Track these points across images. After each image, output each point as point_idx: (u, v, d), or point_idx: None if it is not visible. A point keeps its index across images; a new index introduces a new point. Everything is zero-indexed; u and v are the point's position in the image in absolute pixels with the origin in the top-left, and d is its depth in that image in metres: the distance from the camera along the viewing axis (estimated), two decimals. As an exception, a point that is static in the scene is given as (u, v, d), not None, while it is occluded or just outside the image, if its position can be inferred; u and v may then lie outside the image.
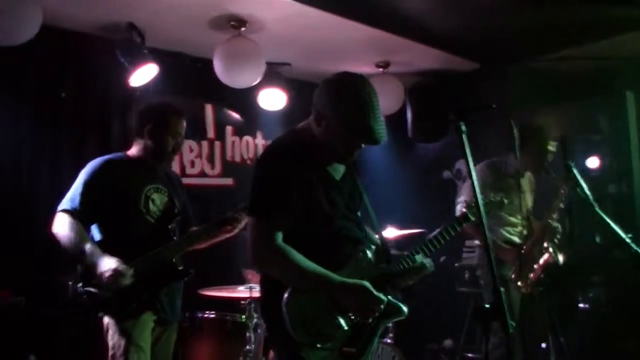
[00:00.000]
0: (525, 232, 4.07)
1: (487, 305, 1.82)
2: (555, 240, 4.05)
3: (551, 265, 4.02)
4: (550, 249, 4.02)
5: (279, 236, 2.26)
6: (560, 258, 4.07)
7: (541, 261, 4.00)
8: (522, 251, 3.99)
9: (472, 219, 2.74)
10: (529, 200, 4.25)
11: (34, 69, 4.25)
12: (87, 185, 3.08)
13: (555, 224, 4.04)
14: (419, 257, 2.51)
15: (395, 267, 2.48)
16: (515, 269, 3.94)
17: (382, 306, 2.29)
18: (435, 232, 2.65)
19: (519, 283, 3.95)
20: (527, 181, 4.27)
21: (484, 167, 4.13)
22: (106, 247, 3.00)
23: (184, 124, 3.32)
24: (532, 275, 3.97)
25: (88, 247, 2.97)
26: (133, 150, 3.30)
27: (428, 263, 2.53)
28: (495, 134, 4.67)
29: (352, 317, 2.31)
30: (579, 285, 5.00)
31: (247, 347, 3.78)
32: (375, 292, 2.27)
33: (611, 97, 5.24)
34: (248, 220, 2.32)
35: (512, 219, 4.12)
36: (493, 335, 3.81)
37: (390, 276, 2.44)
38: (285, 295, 2.22)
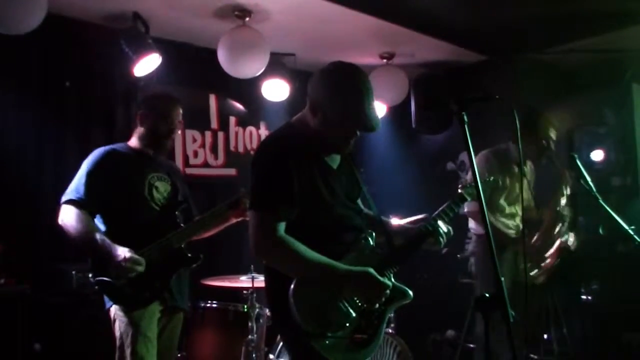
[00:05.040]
0: (519, 223, 4.07)
1: (487, 295, 1.82)
2: (565, 225, 4.06)
3: (565, 249, 4.03)
4: (562, 235, 4.03)
5: (282, 227, 2.27)
6: (571, 239, 4.06)
7: (554, 247, 3.99)
8: (532, 242, 3.99)
9: (469, 199, 2.75)
10: (531, 189, 4.24)
11: (39, 58, 4.25)
12: (91, 175, 3.07)
13: (564, 209, 4.04)
14: (440, 223, 2.58)
15: (403, 245, 2.51)
16: (523, 258, 3.94)
17: (387, 291, 2.31)
18: (434, 214, 2.67)
19: (532, 273, 3.95)
20: (529, 170, 4.26)
21: (489, 154, 4.12)
22: (112, 237, 2.99)
23: (178, 108, 3.30)
24: (548, 261, 3.97)
25: (99, 236, 2.96)
26: (133, 141, 3.31)
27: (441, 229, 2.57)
28: (502, 127, 4.66)
29: (359, 304, 2.32)
30: (582, 277, 5.00)
31: (249, 336, 3.79)
32: (380, 278, 2.29)
33: (617, 89, 5.22)
34: (249, 213, 2.33)
35: (511, 209, 4.11)
36: (492, 330, 3.81)
37: (393, 262, 2.46)
38: (292, 286, 2.23)
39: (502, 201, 4.08)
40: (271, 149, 2.39)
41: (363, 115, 2.32)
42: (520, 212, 4.10)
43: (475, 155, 2.04)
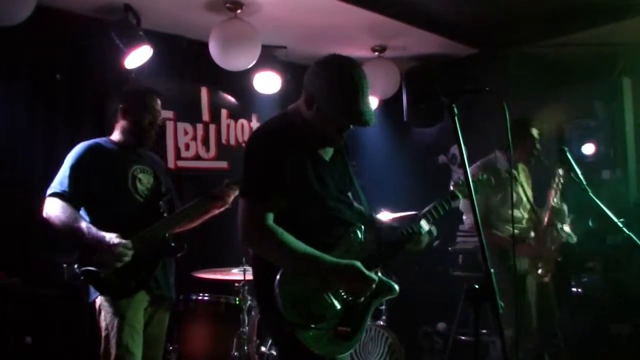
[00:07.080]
0: (526, 225, 4.11)
1: (476, 286, 1.83)
2: (566, 220, 4.08)
3: (565, 245, 4.06)
4: (562, 231, 4.05)
5: (271, 217, 2.27)
6: (567, 229, 4.08)
7: (556, 245, 4.04)
8: (537, 242, 4.02)
9: (460, 196, 2.76)
10: (528, 191, 4.26)
11: (29, 50, 4.22)
12: (74, 168, 3.11)
13: (560, 205, 4.06)
14: (423, 223, 2.58)
15: (386, 246, 2.51)
16: (533, 260, 4.00)
17: (373, 285, 2.32)
18: (424, 210, 2.67)
19: (539, 272, 3.99)
20: (522, 173, 4.27)
21: (476, 169, 4.11)
22: (97, 228, 3.01)
23: (158, 100, 3.35)
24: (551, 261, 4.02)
25: (85, 225, 2.99)
26: (115, 135, 3.34)
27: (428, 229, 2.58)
28: (493, 119, 4.67)
29: (345, 297, 2.33)
30: (573, 270, 5.02)
31: (241, 329, 3.80)
32: (366, 272, 2.30)
33: (608, 83, 5.24)
34: (239, 201, 2.34)
35: (514, 214, 4.13)
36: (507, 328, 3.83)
37: (381, 256, 2.46)
38: (277, 277, 2.24)
39: (503, 210, 4.09)
40: (264, 138, 2.40)
41: (357, 110, 2.31)
42: (524, 215, 4.15)
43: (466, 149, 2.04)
